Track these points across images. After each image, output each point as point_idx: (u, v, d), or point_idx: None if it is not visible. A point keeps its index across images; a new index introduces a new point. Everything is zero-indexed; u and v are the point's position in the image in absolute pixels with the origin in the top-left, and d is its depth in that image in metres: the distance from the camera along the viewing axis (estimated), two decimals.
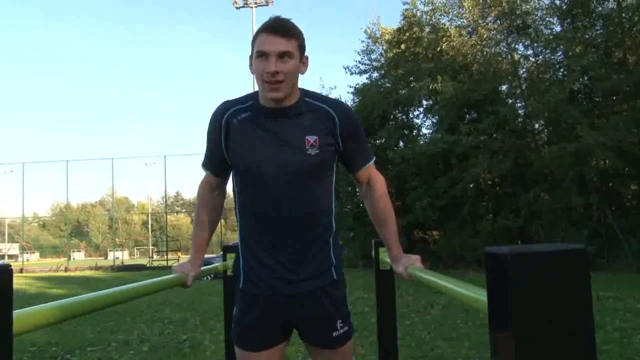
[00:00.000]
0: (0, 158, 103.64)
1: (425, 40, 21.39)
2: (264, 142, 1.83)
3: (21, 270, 30.15)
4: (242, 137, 1.86)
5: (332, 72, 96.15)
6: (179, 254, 34.45)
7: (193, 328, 8.10)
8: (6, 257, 44.27)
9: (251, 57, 1.82)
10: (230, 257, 2.79)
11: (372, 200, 2.01)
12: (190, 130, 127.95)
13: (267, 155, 1.82)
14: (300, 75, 1.84)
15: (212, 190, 2.06)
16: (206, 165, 2.03)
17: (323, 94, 2.01)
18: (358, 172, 1.98)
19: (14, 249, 47.33)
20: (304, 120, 1.84)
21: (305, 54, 1.86)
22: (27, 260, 43.09)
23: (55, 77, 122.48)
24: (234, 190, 1.98)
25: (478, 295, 1.01)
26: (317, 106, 1.87)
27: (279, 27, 1.76)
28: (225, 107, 1.91)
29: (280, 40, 1.74)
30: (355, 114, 2.02)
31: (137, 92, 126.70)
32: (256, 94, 1.88)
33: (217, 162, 1.97)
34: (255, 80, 1.87)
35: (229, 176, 2.03)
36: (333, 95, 23.99)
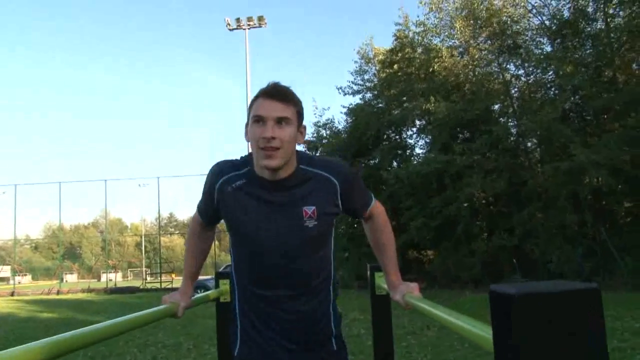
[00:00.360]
0: None
1: (418, 60, 21.52)
2: (259, 213, 1.78)
3: (12, 294, 29.84)
4: (236, 207, 1.81)
5: (326, 93, 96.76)
6: (173, 275, 34.10)
7: (187, 353, 8.01)
8: None
9: (247, 124, 1.77)
10: (223, 284, 2.74)
11: (373, 230, 1.99)
12: (182, 152, 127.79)
13: (263, 227, 1.77)
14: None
15: (203, 227, 2.04)
16: (200, 212, 1.98)
17: (316, 155, 2.00)
18: (361, 217, 1.98)
19: (5, 271, 46.76)
20: (301, 190, 1.78)
21: (304, 123, 1.81)
22: (19, 282, 42.66)
23: (48, 102, 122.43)
24: (230, 247, 1.95)
25: (483, 332, 0.97)
26: (314, 174, 1.80)
27: (277, 92, 1.71)
28: (220, 171, 1.84)
29: (278, 105, 1.68)
30: (353, 170, 1.97)
31: (129, 115, 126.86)
32: (252, 160, 1.81)
33: (209, 215, 1.94)
34: (250, 148, 1.81)
35: (218, 222, 2.01)
36: (326, 115, 24.11)
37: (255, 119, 1.69)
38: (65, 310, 17.00)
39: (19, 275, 46.17)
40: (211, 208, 1.88)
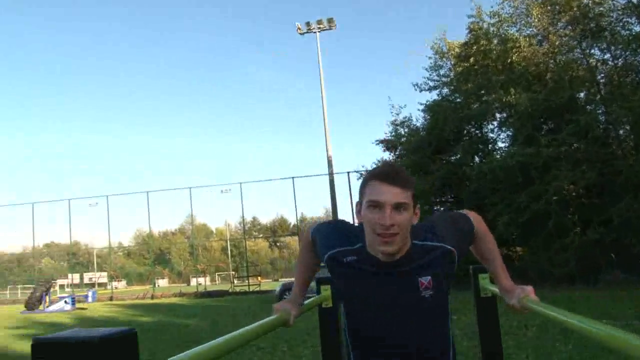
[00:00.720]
0: (87, 192, 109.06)
1: (494, 52, 20.94)
2: (372, 290, 1.77)
3: (111, 298, 31.45)
4: (347, 281, 1.82)
5: (401, 90, 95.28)
6: (259, 278, 34.90)
7: (282, 355, 8.11)
8: (96, 285, 46.34)
9: (359, 203, 1.74)
10: (325, 289, 2.77)
11: (476, 242, 1.96)
12: (264, 157, 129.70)
13: (378, 301, 1.76)
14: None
15: (314, 248, 2.05)
16: (313, 239, 2.01)
17: (425, 224, 1.84)
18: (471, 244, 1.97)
19: (103, 277, 49.50)
20: (415, 264, 1.75)
21: (418, 204, 1.76)
22: (116, 288, 44.93)
23: (131, 120, 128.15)
24: (342, 309, 1.94)
25: (612, 334, 0.96)
26: (428, 247, 1.77)
27: (395, 176, 1.66)
28: (337, 241, 1.85)
29: (397, 191, 1.64)
30: (453, 215, 1.95)
31: (210, 120, 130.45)
32: (364, 235, 1.77)
33: (321, 253, 1.95)
34: (364, 228, 1.75)
35: None
36: (403, 113, 23.86)
37: (372, 204, 1.66)
38: (161, 314, 17.72)
39: (115, 280, 48.62)
40: (321, 255, 1.93)
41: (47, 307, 23.45)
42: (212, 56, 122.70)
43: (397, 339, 1.78)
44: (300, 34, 33.49)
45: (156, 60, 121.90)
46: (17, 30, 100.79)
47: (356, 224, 1.90)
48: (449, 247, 1.77)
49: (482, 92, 21.16)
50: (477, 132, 22.62)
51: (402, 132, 23.86)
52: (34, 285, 27.30)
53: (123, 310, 20.87)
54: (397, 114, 24.31)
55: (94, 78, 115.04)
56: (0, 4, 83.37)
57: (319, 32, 32.76)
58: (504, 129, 21.94)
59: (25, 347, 10.48)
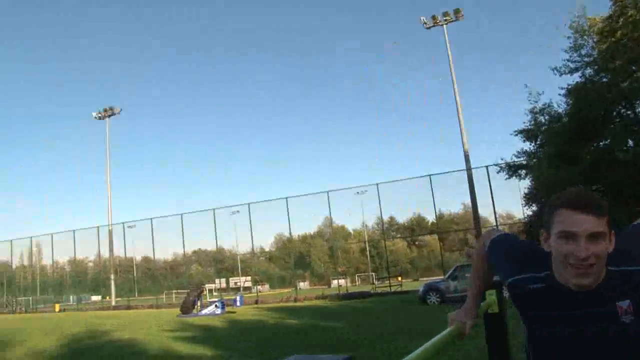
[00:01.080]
0: (229, 200, 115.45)
1: None
2: (563, 317, 1.65)
3: (256, 302, 32.84)
4: (533, 308, 1.72)
5: (538, 76, 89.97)
6: (400, 278, 34.68)
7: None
8: (242, 288, 48.62)
9: (546, 232, 1.63)
10: (489, 294, 2.58)
11: None
12: (399, 156, 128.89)
13: (568, 332, 1.64)
14: None
15: (488, 259, 1.97)
16: (489, 251, 1.93)
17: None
18: None
19: (247, 281, 51.86)
20: (611, 289, 1.60)
21: (613, 230, 1.60)
22: (260, 291, 46.90)
23: (270, 125, 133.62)
24: (527, 337, 1.80)
25: None
26: (626, 273, 1.61)
27: (589, 204, 1.54)
28: (518, 268, 1.75)
29: (591, 219, 1.52)
30: None
31: (341, 122, 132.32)
32: (551, 261, 1.66)
33: (494, 268, 1.92)
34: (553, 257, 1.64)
35: None
36: (542, 100, 22.49)
37: (564, 235, 1.54)
38: (305, 317, 18.14)
39: (259, 284, 50.80)
40: (497, 271, 1.88)
41: (200, 311, 24.96)
42: (340, 58, 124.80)
43: None
44: (427, 28, 32.91)
45: (286, 63, 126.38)
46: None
47: (536, 245, 1.76)
48: None
49: (633, 67, 19.26)
50: (630, 112, 20.62)
51: (542, 120, 22.43)
52: (186, 290, 29.22)
53: (269, 313, 21.63)
54: (536, 102, 22.91)
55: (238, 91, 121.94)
56: None
57: (445, 24, 31.98)
58: None
59: (184, 348, 11.24)
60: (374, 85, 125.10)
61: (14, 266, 50.71)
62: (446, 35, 31.71)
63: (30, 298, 46.34)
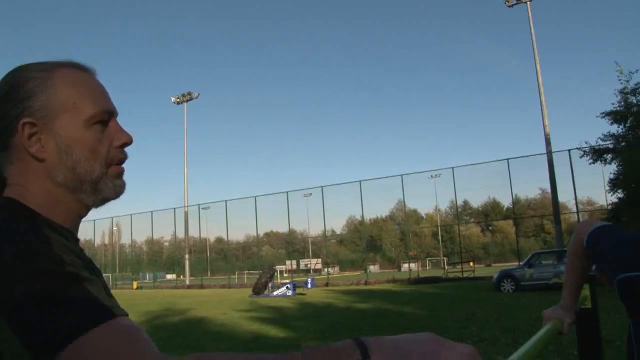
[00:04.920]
0: (302, 184, 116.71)
1: None
2: None
3: (327, 284, 32.99)
4: None
5: (632, 53, 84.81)
6: (472, 264, 33.87)
7: (506, 348, 7.58)
8: (312, 270, 49.03)
9: None
10: (584, 288, 2.37)
11: None
12: (476, 139, 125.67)
13: None
14: None
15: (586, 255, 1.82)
16: (589, 245, 1.75)
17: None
18: None
19: (318, 263, 52.24)
20: None
21: None
22: (330, 274, 47.15)
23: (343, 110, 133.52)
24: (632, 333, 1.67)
25: None
26: None
27: None
28: (629, 263, 1.58)
29: None
30: None
31: (418, 105, 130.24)
32: None
33: (596, 262, 1.80)
34: None
35: None
36: (634, 79, 21.09)
37: None
38: (376, 300, 17.96)
39: (329, 267, 51.08)
40: (601, 264, 1.75)
41: (272, 292, 25.25)
42: (419, 36, 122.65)
43: None
44: (509, 6, 31.60)
45: (359, 44, 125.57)
46: None
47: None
48: None
49: None
50: None
51: (634, 101, 20.98)
52: (258, 271, 29.71)
53: (339, 296, 21.60)
54: (627, 81, 21.40)
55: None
56: None
57: (530, 1, 30.56)
58: None
59: (254, 327, 11.36)
60: (453, 67, 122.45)
61: (95, 245, 53.27)
62: (529, 12, 30.29)
63: (110, 275, 48.57)
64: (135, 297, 26.81)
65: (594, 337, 2.38)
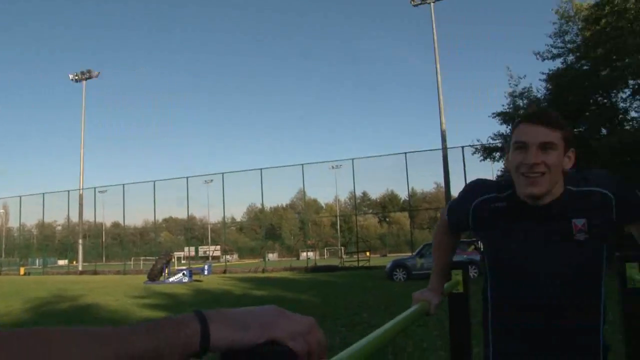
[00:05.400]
0: (203, 169, 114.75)
1: (632, 12, 18.98)
2: (521, 234, 1.69)
3: (224, 271, 32.72)
4: (495, 230, 1.75)
5: (521, 60, 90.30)
6: (368, 254, 34.80)
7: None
8: (210, 258, 48.42)
9: (507, 150, 1.71)
10: (456, 274, 2.52)
11: None
12: (376, 133, 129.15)
13: (526, 248, 1.68)
14: None
15: (450, 232, 1.98)
16: (449, 215, 1.93)
17: (583, 172, 1.73)
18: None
19: (217, 250, 51.63)
20: (569, 207, 1.65)
21: (572, 148, 1.66)
22: (228, 261, 46.78)
23: (245, 99, 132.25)
24: (484, 267, 1.88)
25: None
26: (583, 192, 1.66)
27: (541, 117, 1.62)
28: (480, 189, 1.79)
29: (542, 130, 1.58)
30: (619, 176, 1.80)
31: (322, 97, 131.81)
32: (513, 184, 1.71)
33: (457, 227, 1.92)
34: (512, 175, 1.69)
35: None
36: (523, 84, 22.51)
37: (518, 145, 1.62)
38: (273, 288, 18.04)
39: (228, 254, 50.66)
40: (462, 223, 1.84)
41: (167, 278, 24.71)
42: (321, 29, 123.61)
43: (546, 292, 1.67)
44: (414, 5, 32.56)
45: (269, 37, 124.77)
46: None
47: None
48: (607, 192, 1.64)
49: (614, 57, 19.33)
50: (606, 101, 20.77)
51: (521, 104, 22.42)
52: (155, 258, 28.93)
53: (237, 283, 21.50)
54: (516, 85, 22.88)
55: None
56: None
57: (433, 2, 31.65)
58: (637, 97, 19.98)
59: (146, 313, 11.07)
60: (357, 61, 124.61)
61: None
62: (432, 13, 31.45)
63: None
64: (22, 283, 25.33)
65: (464, 319, 2.51)
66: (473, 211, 1.76)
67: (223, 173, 38.10)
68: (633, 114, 20.47)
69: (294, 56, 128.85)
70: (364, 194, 71.27)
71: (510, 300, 1.76)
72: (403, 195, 50.84)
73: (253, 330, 0.64)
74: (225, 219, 45.23)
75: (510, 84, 22.80)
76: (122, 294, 17.09)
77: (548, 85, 21.78)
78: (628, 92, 20.36)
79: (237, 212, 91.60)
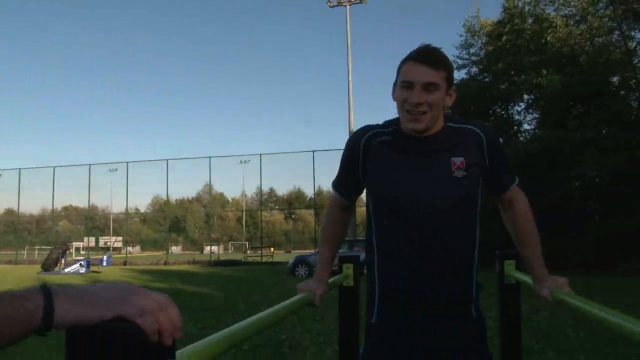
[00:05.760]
0: (107, 157, 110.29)
1: (528, 32, 20.38)
2: (405, 166, 1.76)
3: (125, 263, 31.70)
4: (381, 161, 1.80)
5: None
6: (272, 249, 34.92)
7: (291, 328, 7.98)
8: (111, 249, 46.77)
9: (395, 84, 1.75)
10: (347, 268, 2.62)
11: (515, 221, 1.89)
12: (284, 130, 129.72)
13: (409, 180, 1.75)
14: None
15: (342, 209, 2.01)
16: (337, 186, 1.97)
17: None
18: (503, 194, 1.87)
19: (118, 242, 49.92)
20: (448, 142, 1.74)
21: (453, 87, 1.75)
22: (130, 253, 45.35)
23: (152, 83, 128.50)
24: (369, 215, 1.89)
25: None
26: (461, 129, 1.78)
27: (427, 57, 1.67)
28: (365, 129, 1.86)
29: (427, 71, 1.64)
30: (497, 135, 1.87)
31: (231, 93, 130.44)
32: (398, 120, 1.79)
33: (349, 185, 1.94)
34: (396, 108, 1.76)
35: (359, 196, 2.01)
36: None
37: (404, 84, 1.67)
38: (174, 281, 17.72)
39: (129, 246, 49.10)
40: (354, 172, 1.86)
41: (63, 269, 23.61)
42: (235, 24, 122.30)
43: (426, 224, 1.73)
44: (330, 7, 32.93)
45: (175, 27, 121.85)
46: None
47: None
48: (480, 132, 1.76)
49: (512, 72, 20.66)
50: (503, 113, 22.13)
51: None
52: (51, 247, 27.58)
53: (136, 275, 20.92)
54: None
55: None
56: None
57: (349, 5, 32.16)
58: (531, 110, 21.48)
59: None
60: (270, 56, 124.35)
61: None
62: (347, 16, 31.95)
63: None
64: None
65: (354, 313, 2.60)
66: (363, 149, 1.81)
67: (128, 162, 36.79)
68: (526, 126, 21.94)
69: (206, 46, 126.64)
70: (271, 190, 71.44)
71: (392, 234, 1.79)
72: (309, 192, 51.46)
73: (100, 307, 0.61)
74: (129, 210, 43.79)
75: None
76: (13, 284, 16.10)
77: None
78: (523, 106, 21.79)
79: (142, 203, 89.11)
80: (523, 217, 1.87)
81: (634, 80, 18.03)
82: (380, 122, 1.86)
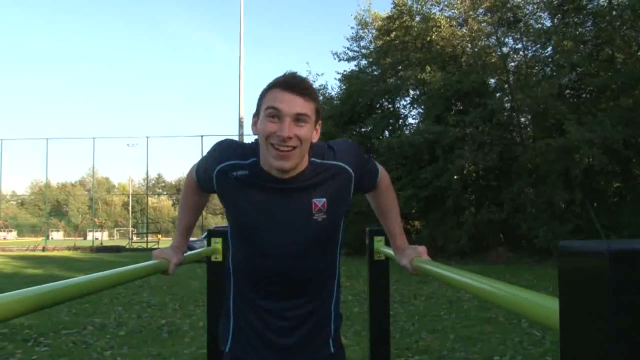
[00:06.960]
0: None
1: (415, 29, 21.19)
2: (262, 209, 1.63)
3: None
4: (236, 199, 1.67)
5: (321, 58, 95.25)
6: (159, 236, 34.12)
7: (172, 313, 7.96)
8: None
9: (256, 115, 1.60)
10: (215, 242, 2.66)
11: (377, 194, 1.87)
12: (173, 113, 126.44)
13: (266, 224, 1.63)
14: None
15: (199, 186, 1.86)
16: (198, 177, 1.82)
17: (326, 143, 1.72)
18: (371, 190, 1.85)
19: None
20: (311, 182, 1.62)
21: (319, 121, 1.63)
22: (4, 238, 42.47)
23: (36, 60, 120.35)
24: (229, 233, 1.79)
25: (510, 292, 0.86)
26: (325, 165, 1.64)
27: (299, 85, 1.52)
28: (221, 156, 1.67)
29: (299, 100, 1.50)
30: (359, 148, 1.78)
31: (119, 72, 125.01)
32: (258, 151, 1.61)
33: (205, 187, 1.81)
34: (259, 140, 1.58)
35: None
36: (319, 82, 23.77)
37: (271, 113, 1.50)
38: (50, 267, 16.92)
39: (4, 231, 45.95)
40: (208, 185, 1.75)
41: None
42: (126, 3, 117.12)
43: (282, 267, 1.65)
44: None
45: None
46: None
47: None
48: (349, 168, 1.66)
49: (400, 67, 21.43)
50: (390, 106, 22.90)
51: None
52: None
53: (10, 261, 19.70)
54: (314, 82, 24.13)
55: None
56: None
57: None
58: (415, 105, 22.39)
59: None
60: (164, 40, 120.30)
61: None
62: (242, 5, 31.58)
63: None
64: None
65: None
66: (216, 177, 1.67)
67: (2, 140, 34.10)
68: (410, 120, 22.90)
69: (96, 25, 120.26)
70: (159, 175, 69.58)
71: (248, 270, 1.71)
72: None
73: None
74: (4, 192, 40.81)
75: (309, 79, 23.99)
76: None
77: (342, 85, 23.34)
78: (409, 100, 22.70)
79: (19, 185, 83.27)
80: (385, 190, 1.85)
81: (507, 84, 19.39)
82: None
